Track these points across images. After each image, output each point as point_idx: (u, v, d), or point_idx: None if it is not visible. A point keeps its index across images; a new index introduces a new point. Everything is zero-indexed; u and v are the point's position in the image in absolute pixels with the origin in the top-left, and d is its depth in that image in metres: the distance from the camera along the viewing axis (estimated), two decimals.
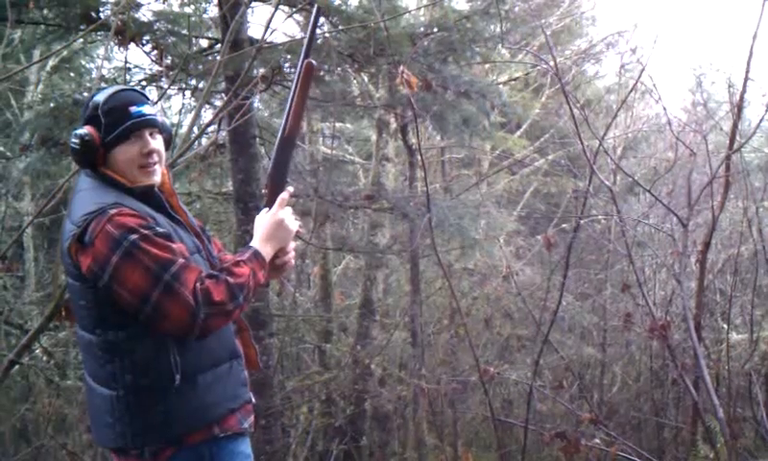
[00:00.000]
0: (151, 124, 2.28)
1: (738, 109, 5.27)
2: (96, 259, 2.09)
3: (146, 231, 2.10)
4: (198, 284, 2.09)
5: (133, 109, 2.25)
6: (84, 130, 2.21)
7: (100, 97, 2.26)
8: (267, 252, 2.34)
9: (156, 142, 2.30)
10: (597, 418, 6.38)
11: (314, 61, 2.44)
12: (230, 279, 2.16)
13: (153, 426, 2.21)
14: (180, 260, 2.11)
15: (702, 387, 5.33)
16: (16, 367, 4.33)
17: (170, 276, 2.07)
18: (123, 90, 2.33)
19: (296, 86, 2.44)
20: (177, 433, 2.23)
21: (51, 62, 6.83)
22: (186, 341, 2.18)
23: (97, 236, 2.08)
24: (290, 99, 2.46)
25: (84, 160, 2.24)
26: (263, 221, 2.40)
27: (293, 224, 2.43)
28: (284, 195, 2.43)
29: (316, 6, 2.54)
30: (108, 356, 2.19)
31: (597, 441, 6.05)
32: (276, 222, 2.39)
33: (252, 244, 2.35)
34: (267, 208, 2.43)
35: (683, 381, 5.71)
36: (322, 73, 5.92)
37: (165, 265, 2.08)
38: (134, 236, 2.08)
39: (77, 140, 2.20)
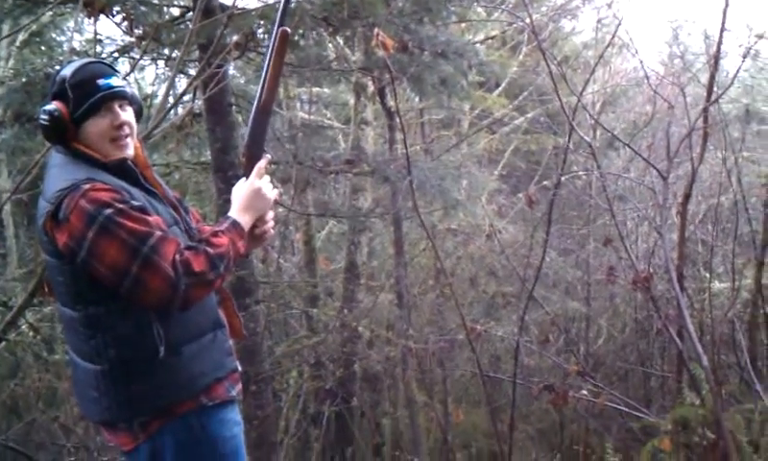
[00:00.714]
0: (120, 96, 2.24)
1: (715, 60, 5.28)
2: (72, 236, 2.06)
3: (121, 205, 2.07)
4: (177, 256, 2.07)
5: (101, 81, 2.21)
6: (53, 105, 2.16)
7: (66, 71, 2.22)
8: (246, 221, 2.32)
9: (127, 114, 2.26)
10: (584, 370, 6.47)
11: (288, 29, 2.40)
12: (210, 250, 2.14)
13: (139, 399, 2.20)
14: (158, 233, 2.09)
15: (686, 336, 5.39)
16: (3, 343, 4.32)
17: (148, 248, 2.05)
18: (90, 63, 2.29)
19: (270, 55, 2.39)
20: (164, 404, 2.22)
21: (20, 37, 6.72)
22: (169, 313, 2.16)
23: (72, 212, 2.05)
24: (265, 67, 2.41)
25: (55, 136, 2.20)
26: (240, 191, 2.38)
27: (270, 192, 2.41)
28: (261, 164, 2.40)
29: None
30: (90, 332, 2.17)
31: (585, 392, 6.14)
32: (253, 191, 2.37)
33: (230, 214, 2.33)
34: (245, 178, 2.41)
35: (667, 331, 5.79)
36: (296, 38, 5.86)
37: (142, 238, 2.05)
38: (109, 211, 2.05)
39: (46, 116, 2.16)
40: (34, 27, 6.22)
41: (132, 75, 4.40)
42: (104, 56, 5.78)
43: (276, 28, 2.40)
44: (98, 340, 2.17)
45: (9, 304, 6.49)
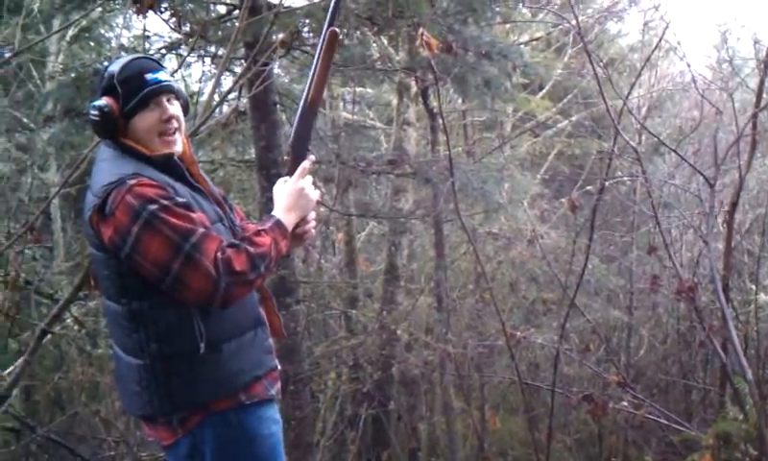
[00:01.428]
0: (167, 90, 2.26)
1: (765, 65, 5.17)
2: (117, 230, 2.08)
3: (166, 202, 2.09)
4: (219, 254, 2.08)
5: (149, 76, 2.23)
6: (103, 101, 2.19)
7: (115, 67, 2.24)
8: (288, 221, 2.33)
9: (175, 108, 2.28)
10: (624, 380, 6.36)
11: (337, 30, 2.41)
12: (252, 249, 2.15)
13: (179, 394, 2.21)
14: (201, 230, 2.10)
15: (730, 349, 5.28)
16: (48, 336, 4.38)
17: (190, 246, 2.06)
18: (137, 59, 2.32)
19: (319, 55, 2.40)
20: (203, 400, 2.23)
21: (70, 32, 6.83)
22: (210, 310, 2.18)
23: (117, 207, 2.07)
24: (313, 66, 2.42)
25: (105, 131, 2.23)
26: (284, 190, 2.39)
27: (313, 193, 2.41)
28: (305, 164, 2.40)
29: None
30: (133, 326, 2.19)
31: (625, 403, 6.04)
32: (296, 191, 2.37)
33: (274, 213, 2.34)
34: (288, 177, 2.42)
35: (710, 343, 5.66)
36: (341, 37, 5.86)
37: (185, 235, 2.07)
38: (154, 207, 2.07)
39: (96, 112, 2.19)
40: (83, 22, 6.31)
41: (179, 72, 4.43)
42: (151, 52, 5.86)
43: (325, 27, 2.40)
44: (140, 334, 2.19)
45: (55, 297, 6.61)
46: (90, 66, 6.47)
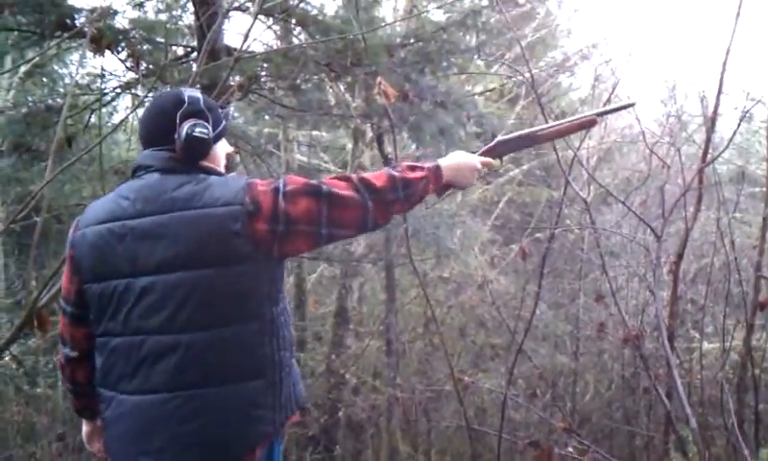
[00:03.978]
0: None
1: (712, 122, 5.33)
2: (268, 217, 2.08)
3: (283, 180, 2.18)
4: (353, 178, 2.18)
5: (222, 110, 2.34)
6: (203, 122, 2.19)
7: (196, 94, 2.25)
8: (447, 175, 2.40)
9: None
10: (570, 426, 6.41)
11: (598, 120, 2.77)
12: (396, 173, 2.24)
13: (286, 406, 2.21)
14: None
15: (674, 396, 5.37)
16: None
17: (326, 188, 2.14)
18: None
19: (572, 122, 2.70)
20: (294, 411, 2.26)
21: (23, 68, 6.76)
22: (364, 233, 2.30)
23: (259, 199, 2.09)
24: (564, 122, 2.71)
25: (202, 152, 2.20)
26: (463, 155, 2.49)
27: (474, 179, 2.51)
28: (493, 160, 2.59)
29: None
30: (267, 339, 2.14)
31: (570, 449, 6.07)
32: (472, 164, 2.48)
33: (440, 161, 2.41)
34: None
35: (655, 390, 5.75)
36: (298, 82, 5.91)
37: (317, 185, 2.15)
38: (281, 182, 2.14)
39: (205, 131, 2.17)
40: (37, 59, 6.25)
41: (135, 112, 4.41)
42: (106, 91, 5.82)
43: (588, 117, 2.71)
44: (272, 345, 2.16)
45: None
46: (42, 102, 6.38)
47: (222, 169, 2.31)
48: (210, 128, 2.19)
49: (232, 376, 2.11)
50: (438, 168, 2.37)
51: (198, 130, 2.15)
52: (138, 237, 2.10)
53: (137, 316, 2.10)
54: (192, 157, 2.19)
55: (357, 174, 2.20)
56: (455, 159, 2.45)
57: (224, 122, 2.31)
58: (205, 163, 2.23)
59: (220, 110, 2.31)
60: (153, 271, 2.08)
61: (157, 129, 2.21)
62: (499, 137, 2.62)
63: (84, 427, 2.56)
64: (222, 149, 2.32)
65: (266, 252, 2.10)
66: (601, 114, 2.87)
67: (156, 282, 2.08)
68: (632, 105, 3.06)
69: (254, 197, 2.08)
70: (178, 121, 2.16)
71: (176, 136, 2.16)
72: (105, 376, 2.19)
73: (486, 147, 2.60)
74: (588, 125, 2.69)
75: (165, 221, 2.08)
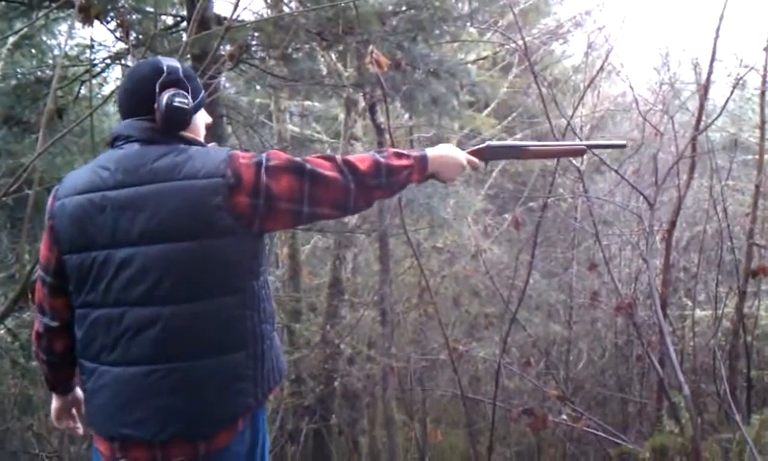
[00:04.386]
0: None
1: (705, 89, 5.32)
2: (248, 190, 2.08)
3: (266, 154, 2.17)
4: (338, 160, 2.18)
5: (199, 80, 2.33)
6: (182, 92, 2.17)
7: (175, 63, 2.23)
8: (433, 166, 2.41)
9: None
10: (564, 394, 6.47)
11: (586, 151, 2.86)
12: (380, 158, 2.23)
13: (270, 377, 2.22)
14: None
15: (667, 363, 5.40)
16: None
17: (309, 166, 2.14)
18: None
19: (563, 148, 2.86)
20: (276, 382, 2.27)
21: (11, 39, 6.68)
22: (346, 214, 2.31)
23: (240, 172, 2.08)
24: (554, 146, 2.85)
25: (184, 121, 2.19)
26: (451, 149, 2.50)
27: (458, 175, 2.53)
28: (478, 161, 2.60)
29: None
30: (248, 312, 2.14)
31: (564, 417, 6.13)
32: (459, 159, 2.49)
33: (427, 151, 2.41)
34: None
35: (648, 358, 5.78)
36: (289, 51, 5.87)
37: (300, 162, 2.15)
38: (264, 156, 2.14)
39: (185, 101, 2.16)
40: (25, 30, 6.19)
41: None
42: (96, 62, 5.77)
43: (580, 146, 2.84)
44: (254, 318, 2.16)
45: None
46: (32, 74, 6.32)
47: (202, 139, 2.29)
48: (190, 97, 2.18)
49: (214, 348, 2.11)
50: (424, 158, 2.36)
51: (178, 99, 2.14)
52: (118, 208, 2.08)
53: (117, 288, 2.09)
54: (172, 128, 2.17)
55: (342, 155, 2.19)
56: (443, 152, 2.44)
57: (203, 92, 2.32)
58: (186, 134, 2.22)
59: (199, 80, 2.30)
60: (133, 242, 2.07)
61: (137, 98, 2.19)
62: (489, 142, 2.66)
63: (54, 403, 2.55)
64: (201, 119, 2.31)
65: (246, 225, 2.09)
66: (592, 147, 2.92)
67: (135, 254, 2.07)
68: (623, 145, 3.11)
69: (236, 169, 2.07)
70: (157, 90, 2.15)
71: (155, 106, 2.14)
72: (85, 347, 2.19)
73: (475, 147, 2.61)
74: (577, 153, 2.84)
75: (145, 192, 2.07)
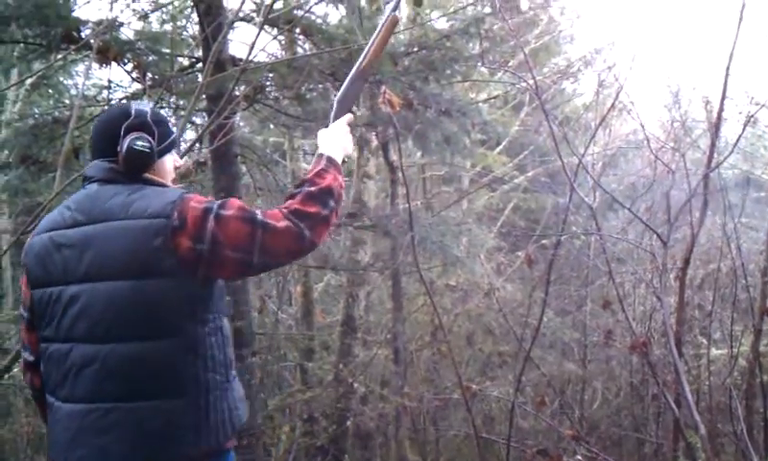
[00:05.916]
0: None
1: (716, 127, 5.32)
2: (193, 235, 2.07)
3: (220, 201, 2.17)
4: (284, 210, 2.15)
5: (171, 124, 2.37)
6: (145, 135, 2.22)
7: (143, 107, 2.29)
8: (340, 156, 2.43)
9: None
10: (578, 434, 6.39)
11: (399, 17, 2.71)
12: (314, 189, 2.22)
13: (217, 430, 2.18)
14: (256, 209, 2.17)
15: (683, 403, 5.34)
16: None
17: (261, 217, 2.11)
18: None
19: (379, 31, 2.61)
20: (228, 436, 2.22)
21: (29, 80, 6.80)
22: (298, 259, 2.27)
23: (186, 216, 2.08)
24: (372, 39, 2.62)
25: (144, 165, 2.23)
26: (330, 132, 2.50)
27: (351, 141, 2.56)
28: (349, 116, 2.57)
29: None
30: (190, 358, 2.13)
31: (579, 457, 6.06)
32: (341, 131, 2.51)
33: (321, 152, 2.41)
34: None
35: (663, 397, 5.72)
36: (303, 91, 5.93)
37: (251, 212, 2.13)
38: (216, 204, 2.13)
39: (147, 145, 2.21)
40: (43, 71, 6.30)
41: None
42: (113, 102, 5.85)
43: (391, 8, 2.67)
44: (197, 366, 2.14)
45: (3, 347, 6.44)
46: (49, 114, 6.42)
47: (168, 182, 2.32)
48: (155, 141, 2.23)
49: (150, 391, 2.10)
50: (330, 159, 2.37)
51: (139, 143, 2.19)
52: (70, 246, 2.15)
53: (66, 324, 2.14)
54: (133, 169, 2.23)
55: (285, 206, 2.17)
56: (334, 139, 2.48)
57: (172, 136, 2.35)
58: (149, 175, 2.26)
59: (170, 124, 2.34)
60: (79, 279, 2.12)
61: (103, 140, 2.26)
62: (336, 97, 2.62)
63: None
64: (170, 162, 2.35)
65: (190, 270, 2.09)
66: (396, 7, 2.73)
67: (81, 291, 2.12)
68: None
69: (182, 212, 2.09)
70: (122, 133, 2.21)
71: (119, 148, 2.21)
72: (45, 382, 2.24)
73: (334, 114, 2.57)
74: (392, 23, 2.64)
75: (94, 231, 2.13)
